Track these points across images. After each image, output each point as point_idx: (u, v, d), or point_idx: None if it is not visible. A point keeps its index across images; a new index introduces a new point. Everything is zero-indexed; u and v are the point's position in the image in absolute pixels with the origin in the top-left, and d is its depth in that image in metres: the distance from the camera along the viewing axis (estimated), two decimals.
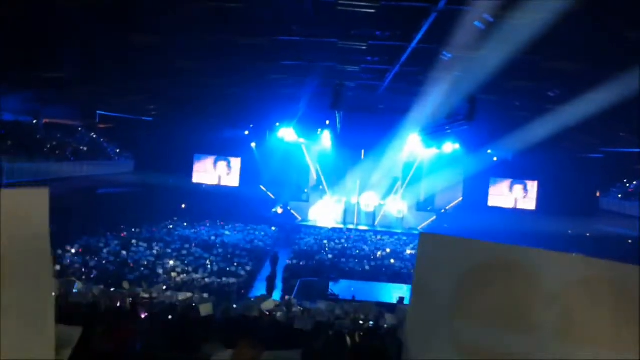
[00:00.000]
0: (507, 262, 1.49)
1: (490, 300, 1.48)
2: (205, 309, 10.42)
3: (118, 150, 34.93)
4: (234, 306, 12.91)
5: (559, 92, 20.98)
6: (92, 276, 18.43)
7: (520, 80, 20.29)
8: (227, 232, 31.45)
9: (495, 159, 37.92)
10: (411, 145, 36.44)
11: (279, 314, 11.67)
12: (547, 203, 37.00)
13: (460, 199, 39.84)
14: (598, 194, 35.70)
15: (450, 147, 36.54)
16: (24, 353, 1.27)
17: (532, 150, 31.00)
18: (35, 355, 1.28)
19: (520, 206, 39.93)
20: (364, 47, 18.24)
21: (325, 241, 30.62)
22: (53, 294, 1.40)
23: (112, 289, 14.72)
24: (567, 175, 34.79)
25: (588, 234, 30.83)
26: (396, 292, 19.13)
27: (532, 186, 40.06)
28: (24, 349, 1.27)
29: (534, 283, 1.48)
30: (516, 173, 39.26)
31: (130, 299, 11.34)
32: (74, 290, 11.54)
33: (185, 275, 20.11)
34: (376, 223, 38.12)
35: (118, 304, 10.54)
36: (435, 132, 30.09)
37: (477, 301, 1.48)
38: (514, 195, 40.36)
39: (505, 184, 40.34)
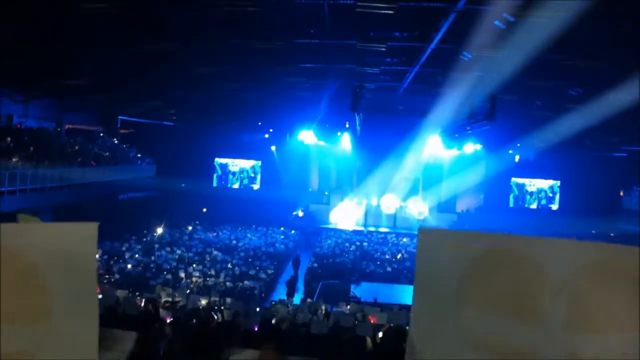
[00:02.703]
0: (509, 252, 1.46)
1: (496, 292, 1.42)
2: (226, 309, 10.50)
3: (139, 155, 35.19)
4: (257, 309, 12.97)
5: (580, 91, 20.78)
6: (115, 280, 18.57)
7: (541, 79, 20.13)
8: (248, 236, 31.53)
9: (517, 158, 37.64)
10: (432, 147, 36.25)
11: (300, 315, 11.68)
12: (570, 202, 36.66)
13: (482, 199, 39.61)
14: (621, 193, 35.27)
15: (471, 147, 36.29)
16: None
17: (554, 150, 30.75)
18: None
19: (542, 206, 39.61)
20: (383, 49, 18.22)
21: (347, 244, 30.59)
22: (97, 327, 1.43)
23: (135, 293, 14.84)
24: (589, 174, 34.43)
25: (612, 234, 30.46)
26: None
27: (555, 186, 39.73)
28: None
29: (537, 272, 1.43)
30: (538, 173, 38.94)
31: (154, 302, 11.39)
32: (99, 295, 11.62)
33: (207, 278, 20.20)
34: (397, 225, 37.97)
35: (141, 308, 10.60)
36: (456, 132, 29.92)
37: (482, 294, 1.43)
38: (536, 195, 40.05)
39: (527, 183, 40.05)
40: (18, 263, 1.35)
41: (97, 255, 1.46)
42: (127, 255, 22.73)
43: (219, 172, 40.28)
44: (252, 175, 40.42)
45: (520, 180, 40.05)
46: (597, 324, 1.40)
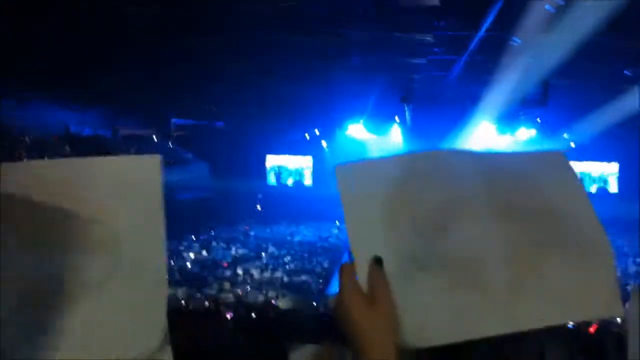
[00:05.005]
0: (429, 166, 1.45)
1: (426, 206, 1.39)
2: (284, 303, 10.64)
3: (193, 156, 35.71)
4: (314, 303, 13.08)
5: (635, 72, 20.22)
6: (175, 278, 18.96)
7: (594, 62, 19.62)
8: (302, 231, 31.71)
9: (572, 144, 36.67)
10: (484, 134, 35.62)
11: None
12: (628, 185, 35.57)
13: None
14: None
15: (525, 133, 35.45)
16: (133, 332, 1.29)
17: (610, 133, 29.92)
18: (143, 334, 1.30)
19: (600, 190, 38.56)
20: (430, 39, 18.06)
21: None
22: (165, 269, 1.42)
23: (195, 291, 15.16)
24: None
25: None
26: None
27: (613, 169, 38.60)
28: (133, 327, 1.29)
29: (460, 181, 1.43)
30: (595, 156, 37.84)
31: (214, 299, 11.63)
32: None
33: (264, 274, 20.43)
34: None
35: (202, 305, 10.84)
36: (508, 119, 29.43)
37: (410, 212, 1.40)
38: (594, 179, 39.00)
39: (584, 167, 39.03)
40: (83, 196, 1.38)
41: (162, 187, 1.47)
42: (185, 254, 23.18)
43: (274, 169, 40.52)
44: (305, 171, 40.55)
45: (578, 165, 39.06)
46: (526, 213, 1.42)
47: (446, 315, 1.33)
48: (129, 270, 1.32)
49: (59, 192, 1.32)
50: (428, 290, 1.34)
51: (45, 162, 1.44)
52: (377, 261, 1.35)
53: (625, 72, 20.74)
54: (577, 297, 1.38)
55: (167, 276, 1.43)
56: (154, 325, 1.31)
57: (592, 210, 1.53)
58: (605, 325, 12.58)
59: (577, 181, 1.68)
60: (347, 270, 1.34)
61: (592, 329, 12.40)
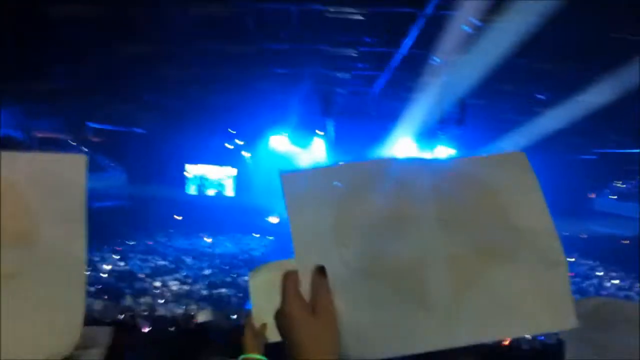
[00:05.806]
0: (376, 175, 1.46)
1: (372, 214, 1.41)
2: (202, 317, 10.50)
3: (110, 163, 34.69)
4: (234, 316, 12.95)
5: (548, 94, 21.09)
6: (90, 290, 18.37)
7: (509, 83, 20.40)
8: (223, 243, 31.39)
9: None
10: (404, 151, 36.24)
11: None
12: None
13: None
14: (593, 195, 35.68)
15: (444, 151, 36.33)
16: (50, 326, 1.28)
17: (524, 153, 31.11)
18: (60, 329, 1.29)
19: None
20: (354, 54, 18.33)
21: None
22: (85, 268, 1.41)
23: (111, 303, 14.72)
24: (559, 177, 34.75)
25: (584, 235, 30.87)
26: None
27: None
28: (50, 321, 1.28)
29: (405, 188, 1.45)
30: None
31: (130, 312, 11.34)
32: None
33: (182, 286, 20.09)
34: None
35: (118, 318, 10.55)
36: (428, 136, 30.14)
37: (358, 219, 1.41)
38: None
39: None
40: (4, 190, 1.34)
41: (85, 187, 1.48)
42: (100, 265, 22.51)
43: (195, 179, 39.87)
44: (226, 182, 40.13)
45: None
46: (474, 220, 1.45)
47: (387, 329, 1.34)
48: (47, 266, 1.30)
49: None
50: (371, 302, 1.35)
51: None
52: (320, 270, 1.35)
53: (537, 95, 21.61)
54: (527, 309, 1.38)
55: (86, 276, 1.43)
56: (70, 323, 1.29)
57: (548, 216, 1.51)
58: (518, 340, 13.02)
59: (535, 185, 1.63)
60: (291, 278, 1.33)
61: (506, 342, 12.79)
